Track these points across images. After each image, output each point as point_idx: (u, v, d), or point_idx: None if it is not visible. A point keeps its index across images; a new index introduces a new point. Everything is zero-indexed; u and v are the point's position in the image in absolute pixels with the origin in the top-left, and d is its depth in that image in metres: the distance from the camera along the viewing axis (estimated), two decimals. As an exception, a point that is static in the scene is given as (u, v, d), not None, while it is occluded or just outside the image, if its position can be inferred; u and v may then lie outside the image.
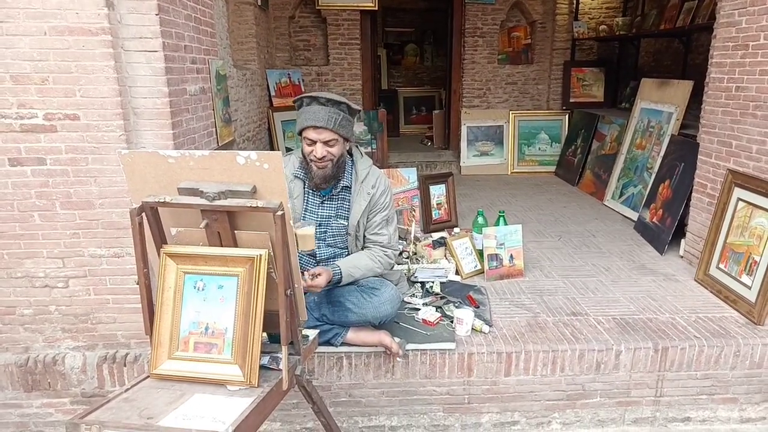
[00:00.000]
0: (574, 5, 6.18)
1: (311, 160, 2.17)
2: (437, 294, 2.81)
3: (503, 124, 6.39)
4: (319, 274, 2.08)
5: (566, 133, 6.23)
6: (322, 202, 2.31)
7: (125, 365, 2.42)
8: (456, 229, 3.82)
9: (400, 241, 3.33)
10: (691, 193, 3.46)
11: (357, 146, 2.38)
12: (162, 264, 1.57)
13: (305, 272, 2.06)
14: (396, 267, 2.90)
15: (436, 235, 3.66)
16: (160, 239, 1.62)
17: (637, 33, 5.50)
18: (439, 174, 4.39)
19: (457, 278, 3.14)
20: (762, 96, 2.78)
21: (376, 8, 6.22)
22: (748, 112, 2.88)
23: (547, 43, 6.40)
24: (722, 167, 3.11)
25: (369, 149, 6.22)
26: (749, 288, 2.75)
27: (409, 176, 4.14)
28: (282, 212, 1.54)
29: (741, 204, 2.93)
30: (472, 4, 6.18)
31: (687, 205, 3.51)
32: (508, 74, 6.53)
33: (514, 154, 6.36)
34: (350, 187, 2.31)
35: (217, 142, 2.91)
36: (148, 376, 1.57)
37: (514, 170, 6.34)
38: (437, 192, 4.21)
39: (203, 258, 1.58)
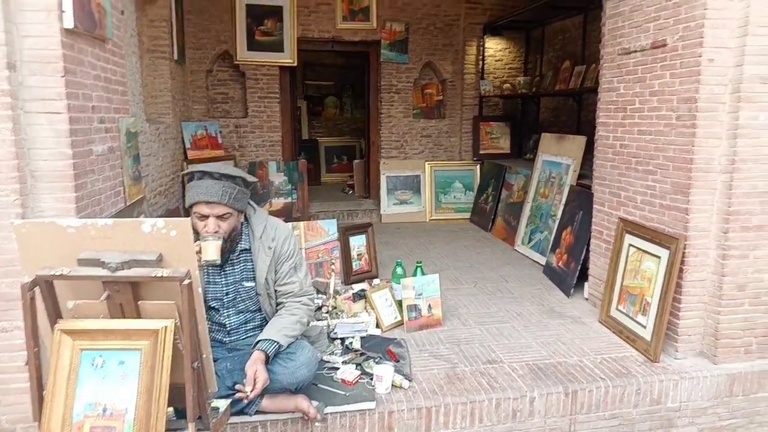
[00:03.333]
0: (480, 66, 6.67)
1: (202, 237, 2.06)
2: (357, 350, 2.80)
3: (420, 173, 6.65)
4: (255, 377, 2.00)
5: (478, 182, 6.58)
6: (222, 270, 2.25)
7: (10, 453, 2.19)
8: (376, 280, 3.87)
9: (320, 296, 3.32)
10: (590, 238, 3.74)
11: (249, 202, 2.29)
12: (56, 341, 1.48)
13: (241, 390, 2.00)
14: (315, 323, 2.88)
15: (356, 287, 3.68)
16: (55, 314, 1.53)
17: (536, 92, 6.01)
18: (359, 224, 4.45)
19: (378, 332, 3.15)
20: (642, 153, 3.11)
21: (295, 65, 6.37)
22: (632, 167, 3.21)
23: (457, 100, 6.81)
24: (614, 215, 3.41)
25: (289, 199, 6.22)
26: (644, 327, 2.98)
27: (328, 228, 4.16)
28: (189, 281, 1.51)
29: (632, 249, 3.21)
30: (387, 63, 6.49)
31: (588, 250, 3.78)
32: (423, 127, 6.84)
33: (431, 202, 6.59)
34: (249, 248, 2.27)
35: (125, 201, 2.81)
36: (37, 467, 1.44)
37: (432, 217, 6.56)
38: (357, 243, 4.25)
39: (103, 332, 1.51)
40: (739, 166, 2.67)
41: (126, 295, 1.54)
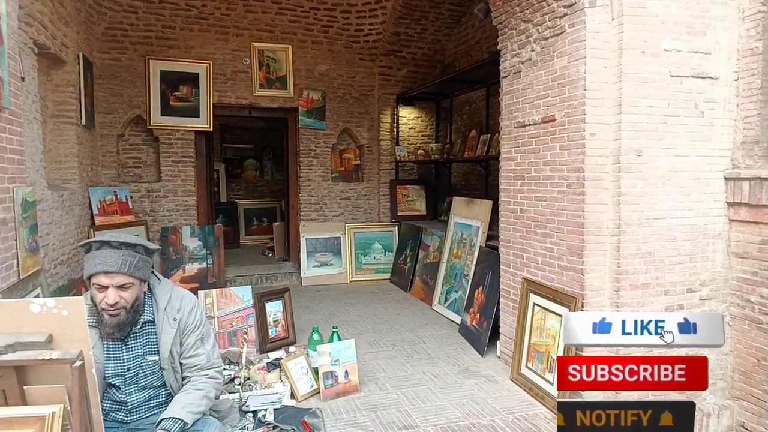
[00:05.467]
0: (395, 133, 7.02)
1: (102, 309, 1.98)
2: (270, 423, 2.71)
3: (340, 235, 6.71)
4: None
5: (397, 242, 6.74)
6: (124, 344, 2.13)
7: None
8: (293, 347, 3.79)
9: (232, 366, 3.21)
10: (499, 298, 3.92)
11: (153, 271, 2.22)
12: None
13: None
14: (225, 396, 2.76)
15: (272, 355, 3.59)
16: None
17: (447, 158, 6.38)
18: (275, 290, 4.39)
19: (292, 402, 3.07)
20: (539, 217, 3.37)
21: (211, 129, 6.36)
22: (531, 230, 3.45)
23: (374, 164, 7.06)
24: (519, 275, 3.61)
25: (204, 265, 6.03)
26: (552, 384, 3.12)
27: (243, 295, 4.06)
28: (81, 362, 1.44)
29: (537, 308, 3.40)
30: (305, 129, 6.66)
31: (498, 309, 3.94)
32: (342, 190, 6.99)
33: (352, 264, 6.64)
34: (153, 320, 2.17)
35: (19, 275, 2.63)
36: None
37: (353, 279, 6.59)
38: (273, 309, 4.17)
39: (-20, 424, 1.38)
40: (624, 230, 2.95)
41: (9, 380, 1.43)
